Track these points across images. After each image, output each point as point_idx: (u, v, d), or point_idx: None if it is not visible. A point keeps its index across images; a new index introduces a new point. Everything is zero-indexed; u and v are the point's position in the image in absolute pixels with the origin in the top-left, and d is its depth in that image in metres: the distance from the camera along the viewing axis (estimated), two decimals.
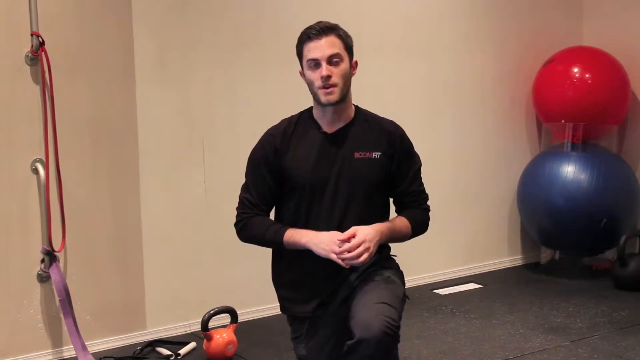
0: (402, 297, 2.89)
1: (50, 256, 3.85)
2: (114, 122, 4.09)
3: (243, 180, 4.75)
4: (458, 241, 5.48)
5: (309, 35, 2.83)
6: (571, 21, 5.80)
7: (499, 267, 5.64)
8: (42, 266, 3.89)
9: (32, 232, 3.88)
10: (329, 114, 2.88)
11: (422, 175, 3.04)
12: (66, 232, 3.91)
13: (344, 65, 2.81)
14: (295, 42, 4.07)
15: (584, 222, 5.17)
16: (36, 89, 3.83)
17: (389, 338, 2.62)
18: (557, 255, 5.75)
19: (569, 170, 5.20)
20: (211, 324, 3.93)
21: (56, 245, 3.87)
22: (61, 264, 3.92)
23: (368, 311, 2.67)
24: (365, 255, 2.71)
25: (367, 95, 4.79)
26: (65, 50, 3.90)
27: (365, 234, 2.73)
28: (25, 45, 3.77)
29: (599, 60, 5.38)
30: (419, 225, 3.02)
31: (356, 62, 2.89)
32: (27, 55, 3.79)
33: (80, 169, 4.01)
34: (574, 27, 5.81)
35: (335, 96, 2.80)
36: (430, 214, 3.09)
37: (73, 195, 3.97)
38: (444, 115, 5.32)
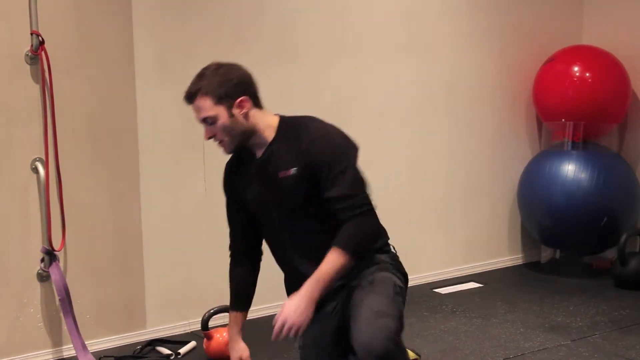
0: (396, 292, 2.82)
1: (50, 255, 3.85)
2: (114, 121, 4.09)
3: None
4: (458, 240, 5.48)
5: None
6: (571, 20, 5.79)
7: (499, 266, 5.63)
8: (42, 265, 3.89)
9: (32, 232, 3.88)
10: (250, 145, 2.86)
11: (360, 176, 2.81)
12: (66, 231, 3.90)
13: (222, 120, 2.73)
14: (296, 39, 3.94)
15: (584, 221, 5.17)
16: (36, 88, 3.82)
17: (392, 353, 2.62)
18: (557, 254, 5.75)
19: (569, 169, 5.19)
20: (211, 323, 3.92)
21: (56, 245, 3.87)
22: (61, 263, 3.91)
23: (365, 328, 2.65)
24: (292, 331, 2.73)
25: (367, 92, 4.91)
26: (65, 49, 3.89)
27: (283, 314, 2.72)
28: (25, 45, 3.77)
29: (599, 59, 5.37)
30: (356, 241, 2.75)
31: (243, 99, 2.76)
32: (27, 55, 3.78)
33: (80, 168, 4.01)
34: (574, 26, 5.81)
35: (227, 149, 2.82)
36: (373, 213, 2.82)
37: (73, 194, 3.96)
38: (444, 114, 5.32)
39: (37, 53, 3.77)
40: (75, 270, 4.01)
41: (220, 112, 2.74)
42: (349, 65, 4.85)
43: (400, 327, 2.73)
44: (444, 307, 4.79)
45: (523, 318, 4.55)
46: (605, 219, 5.14)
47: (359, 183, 2.77)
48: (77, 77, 3.95)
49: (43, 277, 3.93)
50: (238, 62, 4.35)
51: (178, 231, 4.29)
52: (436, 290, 5.13)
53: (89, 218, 4.02)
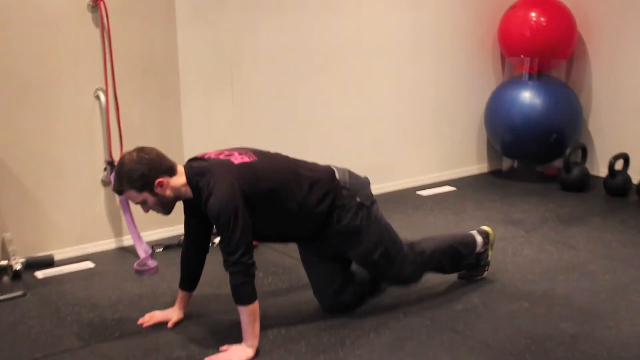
0: (381, 254, 3.13)
1: (111, 165, 3.90)
2: (160, 58, 4.08)
3: (264, 106, 4.59)
4: (437, 152, 5.45)
5: None
6: None
7: (469, 174, 5.60)
8: (105, 174, 3.96)
9: (96, 147, 3.95)
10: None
11: (232, 231, 2.62)
12: (123, 146, 3.90)
13: (150, 201, 2.76)
14: None
15: (537, 137, 5.19)
16: (96, 32, 3.84)
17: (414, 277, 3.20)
18: (515, 164, 5.72)
19: (527, 95, 5.18)
20: None
21: (115, 157, 3.86)
22: None
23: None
24: None
25: (364, 35, 4.90)
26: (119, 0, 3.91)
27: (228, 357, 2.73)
28: None
29: (552, 7, 5.28)
30: (235, 298, 2.68)
31: (158, 181, 2.72)
32: (89, 4, 3.80)
33: (133, 96, 4.02)
34: None
35: (164, 213, 2.86)
36: (243, 273, 2.64)
37: (128, 116, 3.99)
38: (427, 52, 5.27)
39: (96, 2, 3.78)
40: None
41: (146, 197, 2.76)
42: (348, 13, 4.80)
43: (398, 259, 3.10)
44: (425, 205, 4.82)
45: (487, 214, 4.59)
46: (554, 135, 5.17)
47: (234, 245, 2.63)
48: (129, 23, 3.94)
49: (106, 183, 3.99)
50: (260, 7, 4.43)
51: (212, 147, 4.14)
52: (418, 192, 5.13)
53: (141, 135, 3.90)
